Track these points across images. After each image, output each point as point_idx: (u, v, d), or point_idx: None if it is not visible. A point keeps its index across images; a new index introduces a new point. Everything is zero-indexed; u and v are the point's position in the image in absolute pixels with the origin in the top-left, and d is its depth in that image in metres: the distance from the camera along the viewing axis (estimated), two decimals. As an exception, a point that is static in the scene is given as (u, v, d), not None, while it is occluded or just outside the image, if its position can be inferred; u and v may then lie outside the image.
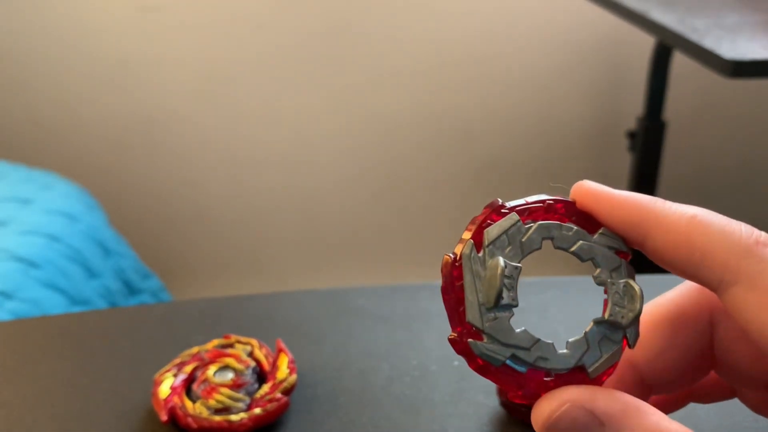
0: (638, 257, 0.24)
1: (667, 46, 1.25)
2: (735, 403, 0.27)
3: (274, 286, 1.64)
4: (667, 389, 0.26)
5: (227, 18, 1.49)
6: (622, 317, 0.22)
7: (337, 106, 1.58)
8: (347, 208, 1.66)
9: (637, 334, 0.23)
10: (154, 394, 0.41)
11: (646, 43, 1.35)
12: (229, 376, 0.42)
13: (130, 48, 1.50)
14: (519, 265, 0.22)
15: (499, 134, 1.62)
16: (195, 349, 0.44)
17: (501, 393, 0.41)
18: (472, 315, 0.21)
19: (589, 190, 0.23)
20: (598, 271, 0.23)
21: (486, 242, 0.22)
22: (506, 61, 1.56)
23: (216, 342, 0.45)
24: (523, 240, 0.22)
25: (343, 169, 1.63)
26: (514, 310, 0.22)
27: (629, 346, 0.23)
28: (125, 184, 1.59)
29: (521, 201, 0.23)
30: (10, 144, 1.52)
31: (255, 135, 1.59)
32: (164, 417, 0.40)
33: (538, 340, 0.22)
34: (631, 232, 0.22)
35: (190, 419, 0.40)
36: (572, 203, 0.23)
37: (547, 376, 0.22)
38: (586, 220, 0.23)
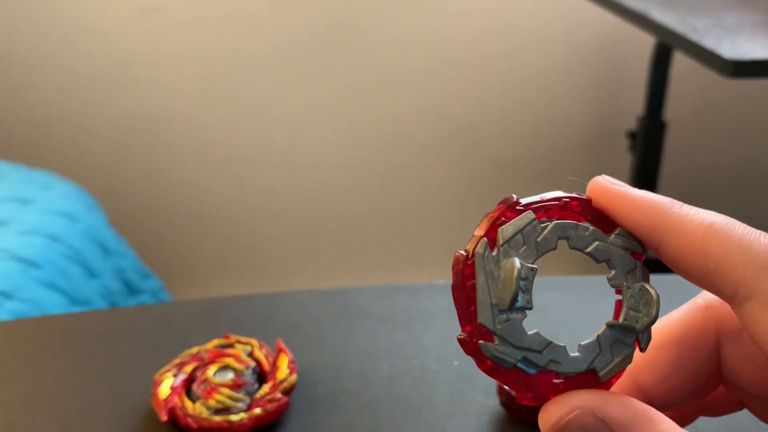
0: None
1: (667, 46, 1.25)
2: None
3: (274, 286, 1.64)
4: (674, 408, 0.25)
5: (227, 18, 1.49)
6: (637, 322, 0.22)
7: (338, 106, 1.58)
8: (347, 208, 1.66)
9: (649, 338, 0.22)
10: (154, 394, 0.41)
11: (646, 43, 1.34)
12: (229, 376, 0.42)
13: (131, 48, 1.50)
14: (535, 266, 0.21)
15: (499, 134, 1.62)
16: (195, 349, 0.44)
17: (501, 393, 0.41)
18: (484, 316, 0.21)
19: (606, 189, 0.22)
20: (613, 273, 0.22)
21: (500, 241, 0.21)
22: (507, 61, 1.56)
23: (216, 342, 0.45)
24: (538, 239, 0.22)
25: (343, 169, 1.63)
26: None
27: (641, 350, 0.22)
28: (125, 184, 1.59)
29: (537, 198, 0.22)
30: (10, 144, 1.52)
31: (255, 135, 1.59)
32: (164, 417, 0.40)
33: (550, 342, 0.21)
34: (647, 236, 0.22)
35: (190, 419, 0.40)
36: (588, 201, 0.23)
37: (557, 377, 0.21)
38: (602, 218, 0.23)
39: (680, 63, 1.38)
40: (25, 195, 1.11)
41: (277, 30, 1.51)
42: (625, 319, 0.22)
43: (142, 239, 1.53)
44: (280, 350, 0.44)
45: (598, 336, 0.22)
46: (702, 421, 0.39)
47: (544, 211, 0.22)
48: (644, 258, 0.23)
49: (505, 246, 0.21)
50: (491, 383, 0.43)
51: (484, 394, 0.43)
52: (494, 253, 0.21)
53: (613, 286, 0.22)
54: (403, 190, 1.65)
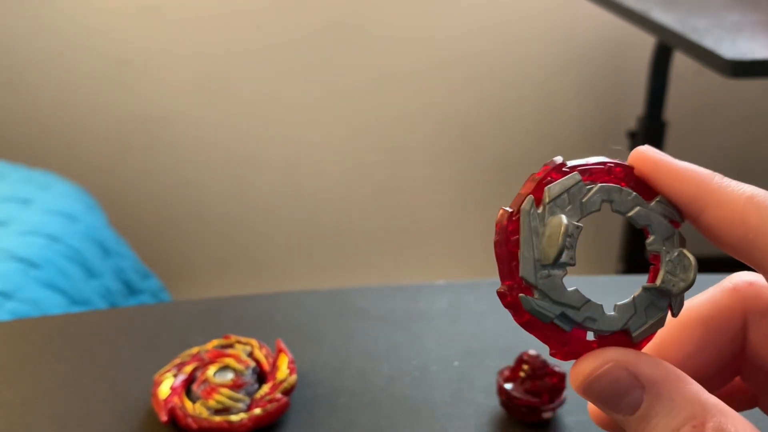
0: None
1: (667, 46, 1.25)
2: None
3: (274, 286, 1.64)
4: None
5: (227, 18, 1.49)
6: (674, 286, 0.22)
7: (337, 106, 1.58)
8: (347, 208, 1.66)
9: (681, 304, 0.23)
10: (154, 394, 0.41)
11: (646, 43, 1.34)
12: (229, 376, 0.42)
13: (130, 48, 1.50)
14: (581, 225, 0.22)
15: (499, 134, 1.62)
16: (195, 350, 0.44)
17: (501, 393, 0.41)
18: (526, 270, 0.21)
19: (649, 157, 0.23)
20: (651, 238, 0.23)
21: (547, 199, 0.22)
22: (507, 61, 1.56)
23: (216, 342, 0.45)
24: (583, 200, 0.22)
25: (342, 169, 1.63)
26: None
27: (672, 315, 0.23)
28: (125, 184, 1.59)
29: (582, 161, 0.23)
30: (10, 144, 1.52)
31: (255, 135, 1.59)
32: (164, 417, 0.40)
33: (588, 300, 0.22)
34: (688, 205, 0.22)
35: (190, 419, 0.40)
36: (630, 168, 0.23)
37: (591, 335, 0.22)
38: (643, 186, 0.23)
39: (680, 63, 1.38)
40: (25, 195, 1.11)
41: (277, 30, 1.51)
42: (662, 283, 0.22)
43: (142, 239, 1.53)
44: (280, 350, 0.44)
45: (633, 297, 0.22)
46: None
47: (589, 174, 0.22)
48: (681, 226, 0.23)
49: (551, 204, 0.22)
50: (491, 383, 0.43)
51: (484, 394, 0.43)
52: (540, 210, 0.22)
53: (651, 251, 0.23)
54: (403, 190, 1.65)
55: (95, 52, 1.49)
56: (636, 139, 1.34)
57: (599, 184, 0.22)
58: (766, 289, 0.24)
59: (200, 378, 0.42)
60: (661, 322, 0.23)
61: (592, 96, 1.60)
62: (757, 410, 0.26)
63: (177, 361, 0.43)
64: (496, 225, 0.22)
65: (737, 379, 0.26)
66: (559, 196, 0.22)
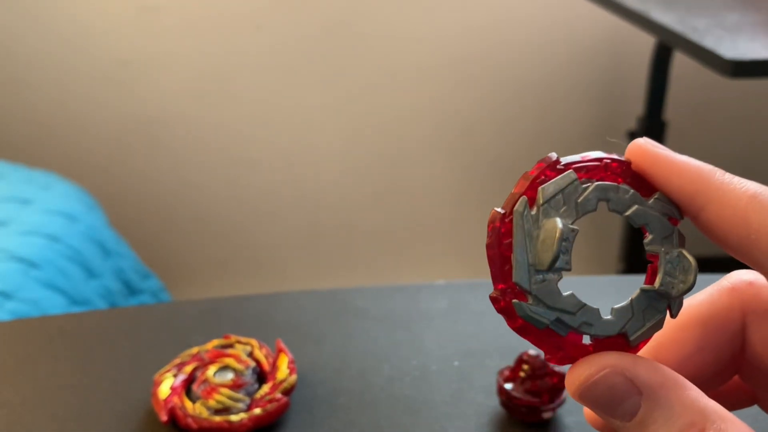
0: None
1: (667, 46, 1.25)
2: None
3: (274, 286, 1.64)
4: None
5: (227, 18, 1.49)
6: (673, 288, 0.21)
7: (337, 106, 1.58)
8: (347, 208, 1.66)
9: (680, 305, 0.22)
10: (154, 394, 0.41)
11: (646, 43, 1.34)
12: (229, 376, 0.42)
13: (130, 48, 1.50)
14: (576, 228, 0.21)
15: (499, 134, 1.62)
16: (195, 350, 0.44)
17: (501, 393, 0.41)
18: (520, 275, 0.21)
19: (648, 151, 0.22)
20: (649, 237, 0.22)
21: (541, 200, 0.21)
22: (507, 61, 1.56)
23: (216, 342, 0.45)
24: (579, 200, 0.21)
25: (342, 169, 1.63)
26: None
27: (671, 316, 0.22)
28: (125, 184, 1.59)
29: (578, 157, 0.22)
30: (10, 144, 1.52)
31: (255, 135, 1.59)
32: (164, 417, 0.40)
33: (584, 305, 0.21)
34: (688, 202, 0.21)
35: (190, 419, 0.40)
36: (627, 163, 0.22)
37: (587, 339, 0.21)
38: (640, 181, 0.22)
39: (680, 63, 1.38)
40: (25, 195, 1.11)
41: (277, 30, 1.51)
42: (661, 285, 0.21)
43: (142, 239, 1.53)
44: (280, 350, 0.44)
45: (631, 300, 0.22)
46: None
47: (585, 171, 0.22)
48: (679, 224, 0.22)
49: (545, 205, 0.21)
50: (491, 383, 0.43)
51: (484, 394, 0.43)
52: (533, 212, 0.21)
53: (649, 251, 0.22)
54: (403, 190, 1.65)
55: (95, 52, 1.49)
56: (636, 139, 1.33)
57: (595, 183, 0.21)
58: (765, 288, 0.24)
59: (200, 378, 0.42)
60: (659, 325, 0.22)
61: (592, 96, 1.60)
62: (755, 408, 0.26)
63: (177, 361, 0.43)
64: (488, 226, 0.21)
65: (736, 377, 0.25)
66: (553, 196, 0.21)
